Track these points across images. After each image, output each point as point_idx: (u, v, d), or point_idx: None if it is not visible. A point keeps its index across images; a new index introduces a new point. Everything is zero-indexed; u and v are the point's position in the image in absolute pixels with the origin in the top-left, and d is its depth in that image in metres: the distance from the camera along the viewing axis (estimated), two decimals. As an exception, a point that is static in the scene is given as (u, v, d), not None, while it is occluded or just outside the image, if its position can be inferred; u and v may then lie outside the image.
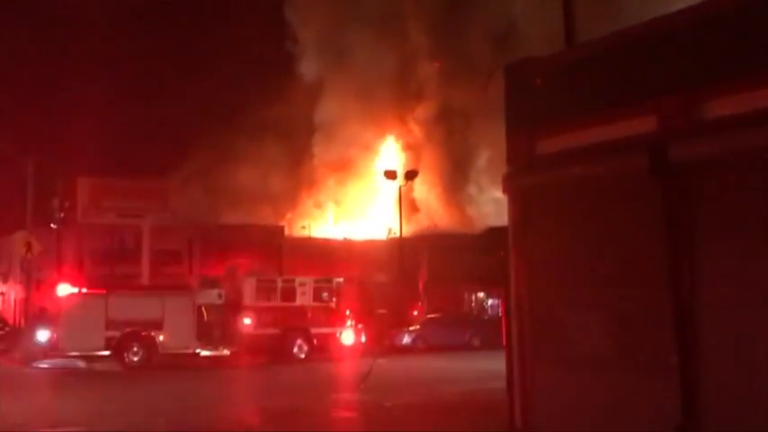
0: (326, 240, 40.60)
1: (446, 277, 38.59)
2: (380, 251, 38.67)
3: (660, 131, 6.99)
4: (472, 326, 31.04)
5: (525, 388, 8.31)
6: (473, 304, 42.82)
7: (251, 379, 17.95)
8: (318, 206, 48.19)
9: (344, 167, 48.66)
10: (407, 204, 46.86)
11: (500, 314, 38.61)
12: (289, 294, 22.01)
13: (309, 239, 40.59)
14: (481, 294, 42.92)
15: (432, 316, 31.49)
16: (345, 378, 16.85)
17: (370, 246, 39.79)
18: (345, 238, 41.09)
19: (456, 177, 47.10)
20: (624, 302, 7.34)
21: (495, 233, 8.87)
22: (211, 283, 22.25)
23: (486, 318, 37.84)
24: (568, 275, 7.90)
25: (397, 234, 43.45)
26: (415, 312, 34.59)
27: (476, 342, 29.14)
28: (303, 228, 43.30)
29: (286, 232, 40.43)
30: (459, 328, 29.69)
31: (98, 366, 20.12)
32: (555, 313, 7.97)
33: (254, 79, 46.11)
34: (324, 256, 33.41)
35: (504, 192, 9.23)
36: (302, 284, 22.09)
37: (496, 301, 42.46)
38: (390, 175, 37.99)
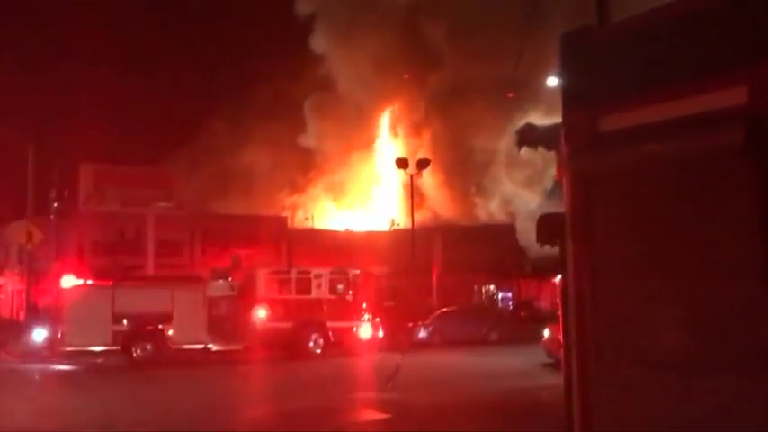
0: (330, 231, 40.27)
1: (457, 269, 38.24)
2: (384, 242, 38.26)
3: (754, 103, 6.34)
4: (489, 319, 30.40)
5: (586, 391, 7.71)
6: (483, 297, 42.45)
7: (267, 375, 17.42)
8: (328, 188, 47.79)
9: (349, 154, 48.24)
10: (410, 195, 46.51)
11: (510, 307, 38.55)
12: (303, 286, 21.41)
13: (312, 230, 40.21)
14: (491, 287, 42.55)
15: (446, 309, 30.89)
16: (368, 375, 16.31)
17: (373, 237, 39.42)
18: (347, 230, 40.71)
19: (461, 168, 46.59)
20: (709, 297, 6.71)
21: (549, 220, 8.23)
22: (222, 275, 21.67)
23: (501, 310, 37.52)
24: (641, 267, 7.27)
25: (401, 225, 43.27)
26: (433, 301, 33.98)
27: (493, 336, 28.58)
28: (306, 219, 43.08)
29: (289, 223, 40.18)
30: (476, 322, 29.06)
31: (104, 362, 19.62)
32: (624, 309, 7.35)
33: (256, 66, 45.70)
34: (328, 246, 32.99)
35: (558, 174, 8.59)
36: (318, 276, 21.47)
37: (508, 294, 42.20)
38: (402, 163, 37.23)
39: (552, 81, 22.16)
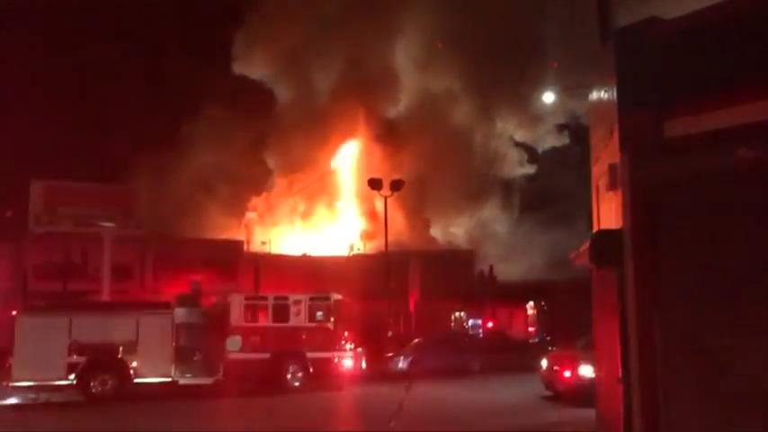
0: (291, 257, 39.56)
1: (429, 296, 37.69)
2: (348, 267, 37.52)
3: None
4: (469, 348, 29.67)
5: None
6: (453, 324, 41.84)
7: (247, 413, 16.26)
8: (286, 210, 47.16)
9: (304, 175, 47.61)
10: (368, 220, 46.27)
11: (480, 335, 38.07)
12: (281, 314, 20.34)
13: (269, 255, 39.43)
14: (462, 314, 41.98)
15: (426, 338, 30.07)
16: (362, 411, 15.34)
17: (335, 262, 38.74)
18: (304, 254, 40.03)
19: (423, 193, 46.29)
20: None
21: (606, 238, 7.48)
22: (190, 301, 20.46)
23: (480, 339, 36.86)
24: (720, 292, 6.56)
25: (361, 250, 42.78)
26: (390, 333, 33.42)
27: (475, 366, 27.84)
28: (264, 243, 42.29)
29: (245, 247, 39.42)
30: (457, 351, 28.24)
31: (57, 398, 18.22)
32: (699, 340, 6.61)
33: (210, 77, 45.00)
34: (288, 271, 32.32)
35: (611, 186, 7.87)
36: (296, 303, 20.43)
37: (478, 321, 41.70)
38: (375, 184, 36.43)
39: (549, 97, 21.84)
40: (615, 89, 7.49)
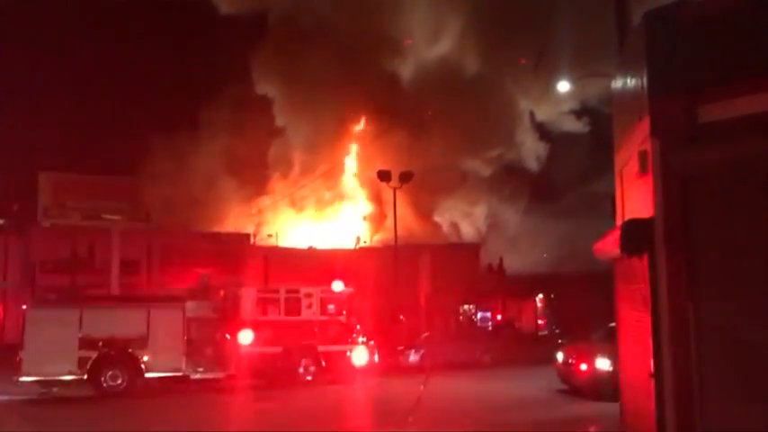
0: (295, 249, 39.52)
1: (440, 288, 37.61)
2: (355, 260, 37.44)
3: None
4: (481, 341, 29.61)
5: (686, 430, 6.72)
6: (461, 317, 41.78)
7: (263, 407, 16.11)
8: (293, 204, 46.96)
9: (316, 165, 47.35)
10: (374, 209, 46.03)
11: (490, 327, 37.97)
12: (293, 307, 20.24)
13: (276, 248, 39.37)
14: (470, 306, 41.88)
15: (436, 331, 29.98)
16: (377, 405, 15.19)
17: (338, 255, 38.69)
18: (310, 247, 39.95)
19: (429, 185, 46.02)
20: None
21: (636, 227, 7.27)
22: (201, 295, 20.37)
23: (491, 331, 36.79)
24: (756, 282, 6.35)
25: (367, 242, 42.69)
26: (401, 325, 33.19)
27: (486, 359, 27.75)
28: (270, 236, 42.23)
29: (251, 240, 39.32)
30: (468, 344, 28.14)
31: (68, 393, 18.14)
32: (736, 333, 6.41)
33: (218, 72, 44.79)
34: (293, 265, 32.26)
35: (641, 173, 7.65)
36: (308, 296, 20.32)
37: (487, 314, 41.62)
38: (384, 176, 36.25)
39: (564, 86, 21.63)
40: (645, 74, 7.27)
